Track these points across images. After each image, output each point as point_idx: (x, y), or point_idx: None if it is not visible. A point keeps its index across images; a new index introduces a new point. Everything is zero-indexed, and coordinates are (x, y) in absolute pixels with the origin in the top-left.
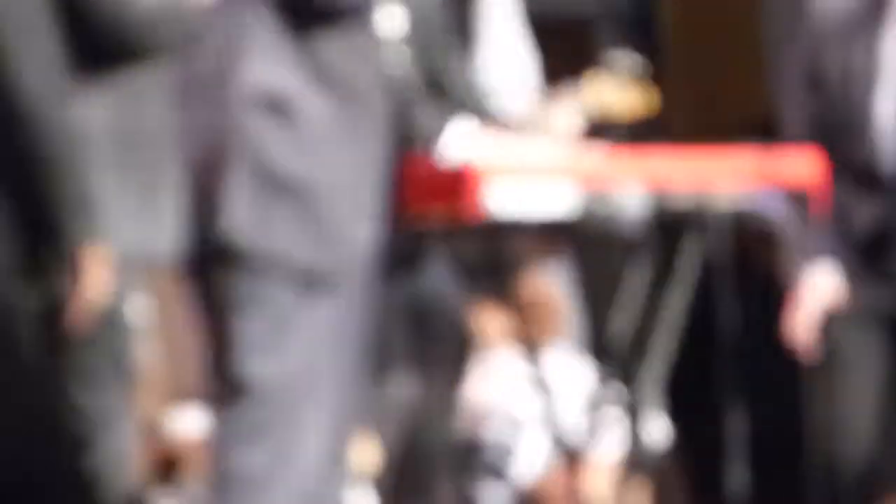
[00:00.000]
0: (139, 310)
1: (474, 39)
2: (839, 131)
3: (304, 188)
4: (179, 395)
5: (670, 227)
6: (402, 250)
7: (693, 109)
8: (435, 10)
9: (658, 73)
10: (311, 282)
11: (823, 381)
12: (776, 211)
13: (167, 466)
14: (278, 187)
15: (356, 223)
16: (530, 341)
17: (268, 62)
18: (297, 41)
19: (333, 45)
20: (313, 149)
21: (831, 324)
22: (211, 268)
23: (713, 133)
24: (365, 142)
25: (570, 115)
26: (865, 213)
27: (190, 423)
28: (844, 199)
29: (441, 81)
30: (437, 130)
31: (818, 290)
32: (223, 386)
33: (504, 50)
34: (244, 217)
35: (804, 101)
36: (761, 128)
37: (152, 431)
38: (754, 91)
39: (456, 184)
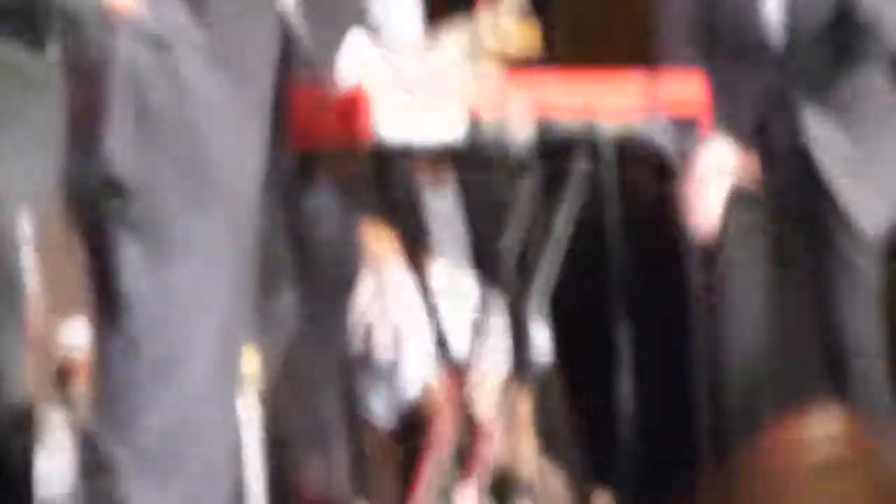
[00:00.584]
0: (26, 224)
1: None
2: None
3: (184, 120)
4: (68, 308)
5: (557, 153)
6: (290, 171)
7: (577, 41)
8: None
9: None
10: (195, 205)
11: (708, 270)
12: (664, 137)
13: (58, 379)
14: (159, 121)
15: (240, 153)
16: (417, 257)
17: None
18: None
19: None
20: (195, 81)
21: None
22: (94, 202)
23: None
24: (250, 69)
25: (456, 47)
26: (754, 87)
27: (79, 335)
28: (732, 76)
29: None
30: (329, 52)
31: (712, 160)
32: (106, 301)
33: None
34: (125, 150)
35: None
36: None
37: (42, 344)
38: (638, 19)
39: (345, 107)
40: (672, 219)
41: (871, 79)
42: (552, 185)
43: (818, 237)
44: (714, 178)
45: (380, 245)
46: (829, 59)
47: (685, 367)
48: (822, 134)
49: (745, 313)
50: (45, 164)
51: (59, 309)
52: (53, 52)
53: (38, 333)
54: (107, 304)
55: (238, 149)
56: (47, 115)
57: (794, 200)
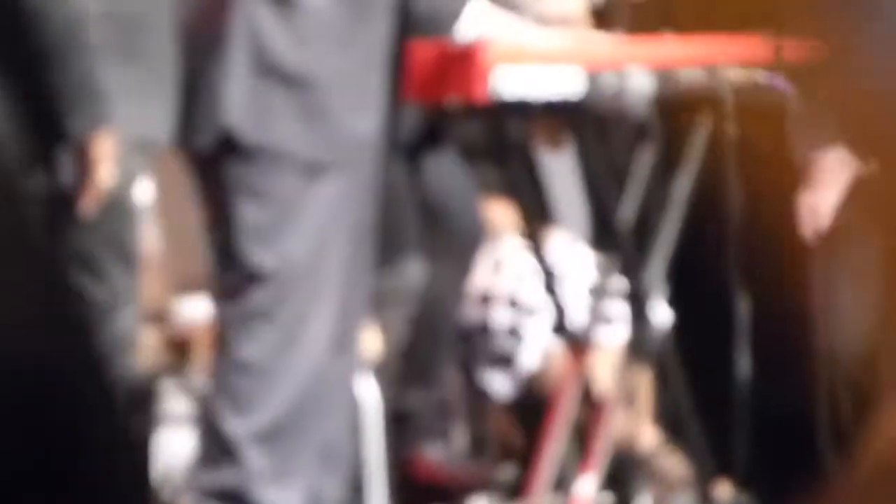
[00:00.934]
0: (144, 195)
1: None
2: None
3: (304, 78)
4: (185, 281)
5: (677, 107)
6: (412, 136)
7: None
8: None
9: None
10: (313, 171)
11: (825, 266)
12: (785, 88)
13: (175, 353)
14: (278, 77)
15: (358, 113)
16: (535, 230)
17: None
18: None
19: None
20: (314, 38)
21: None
22: (213, 156)
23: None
24: (368, 29)
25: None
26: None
27: (197, 309)
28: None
29: None
30: (450, 12)
31: (834, 174)
32: (229, 274)
33: None
34: (244, 107)
35: None
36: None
37: (159, 318)
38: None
39: (464, 66)
40: (791, 190)
41: None
42: (672, 146)
43: None
44: (834, 182)
45: (500, 215)
46: None
47: (806, 352)
48: None
49: (861, 277)
50: (165, 109)
51: (179, 282)
52: None
53: (158, 306)
54: (229, 276)
55: (358, 106)
56: (165, 58)
57: None
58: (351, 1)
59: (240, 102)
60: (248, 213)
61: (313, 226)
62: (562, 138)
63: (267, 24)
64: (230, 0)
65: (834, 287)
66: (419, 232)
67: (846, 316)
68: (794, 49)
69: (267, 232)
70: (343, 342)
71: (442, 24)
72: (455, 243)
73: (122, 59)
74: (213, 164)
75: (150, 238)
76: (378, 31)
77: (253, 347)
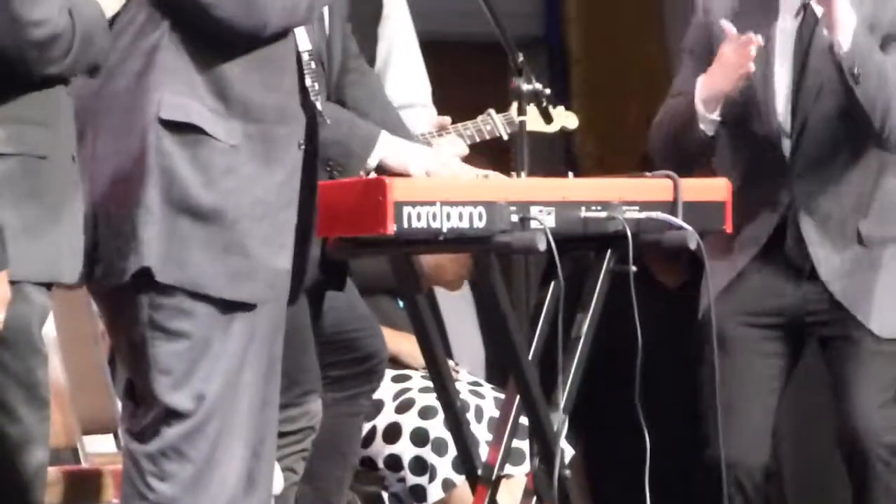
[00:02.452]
0: (48, 332)
1: (379, 59)
2: (744, 109)
3: (218, 215)
4: (93, 418)
5: (579, 244)
6: (320, 271)
7: (598, 133)
8: (344, 30)
9: (562, 96)
10: (228, 309)
11: (721, 390)
12: (687, 228)
13: (83, 489)
14: (192, 215)
15: (272, 250)
16: (439, 366)
17: (179, 87)
18: (210, 65)
19: (245, 69)
20: (226, 175)
21: (727, 326)
22: (127, 294)
23: (619, 156)
24: (279, 167)
25: (458, 142)
26: (772, 195)
27: (105, 446)
28: (753, 187)
29: (354, 98)
30: (358, 149)
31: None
32: (141, 412)
33: (407, 73)
34: (159, 245)
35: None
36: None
37: (66, 456)
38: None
39: (371, 202)
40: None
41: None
42: (575, 282)
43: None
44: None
45: (403, 350)
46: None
47: (700, 458)
48: (830, 259)
49: (754, 398)
50: (73, 247)
51: (86, 419)
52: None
53: (65, 444)
54: (141, 415)
55: (272, 243)
56: (71, 195)
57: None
58: (261, 139)
59: (155, 241)
60: (163, 353)
61: (228, 364)
62: (465, 273)
63: (179, 161)
64: (142, 138)
65: (729, 407)
66: (323, 364)
67: (745, 428)
68: (692, 189)
69: (181, 371)
70: (255, 479)
71: (352, 162)
72: (355, 375)
73: (26, 196)
74: (128, 302)
75: (55, 375)
76: (288, 170)
77: (165, 486)
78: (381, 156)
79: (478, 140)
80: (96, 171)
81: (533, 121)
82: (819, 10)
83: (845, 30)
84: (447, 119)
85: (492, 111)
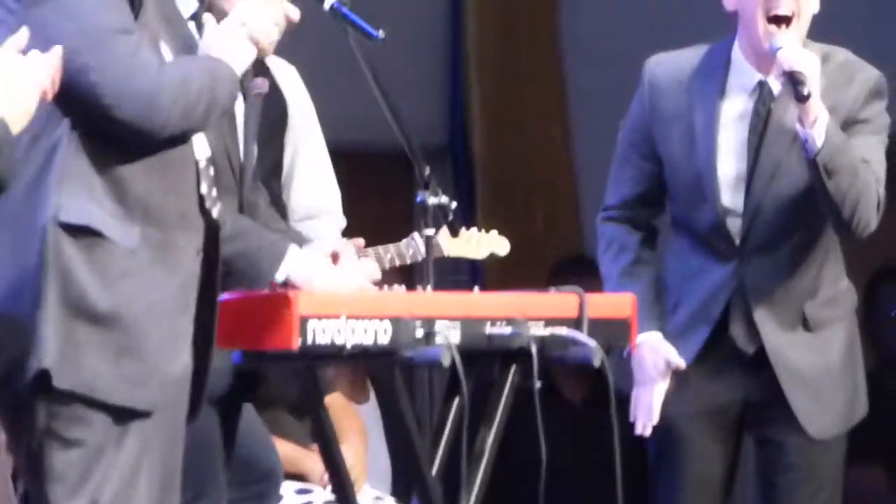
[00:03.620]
0: None
1: (285, 167)
2: (690, 198)
3: (115, 318)
4: None
5: (484, 358)
6: (222, 381)
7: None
8: (250, 139)
9: (468, 206)
10: (125, 415)
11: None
12: (592, 344)
13: None
14: (90, 318)
15: (170, 355)
16: (342, 480)
17: (78, 189)
18: (109, 168)
19: (145, 173)
20: (123, 278)
21: (669, 425)
22: (24, 400)
23: (526, 265)
24: (177, 272)
25: (371, 264)
26: (720, 278)
27: None
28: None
29: (258, 208)
30: (265, 262)
31: (651, 361)
32: None
33: (315, 181)
34: (56, 350)
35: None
36: (576, 264)
37: None
38: (568, 227)
39: (275, 315)
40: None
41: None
42: (479, 396)
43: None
44: (656, 378)
45: (306, 466)
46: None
47: None
48: (778, 341)
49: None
50: None
51: None
52: None
53: None
54: None
55: (169, 348)
56: None
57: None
58: (160, 243)
59: (52, 344)
60: (58, 461)
61: (121, 473)
62: (368, 387)
63: (77, 264)
64: (41, 239)
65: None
66: (223, 473)
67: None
68: (598, 305)
69: (75, 478)
70: None
71: (259, 275)
72: (248, 498)
73: None
74: (26, 408)
75: None
76: (186, 276)
77: None
78: (289, 270)
79: (398, 264)
80: None
81: (461, 247)
82: (776, 88)
83: (819, 125)
84: (360, 241)
85: (416, 234)
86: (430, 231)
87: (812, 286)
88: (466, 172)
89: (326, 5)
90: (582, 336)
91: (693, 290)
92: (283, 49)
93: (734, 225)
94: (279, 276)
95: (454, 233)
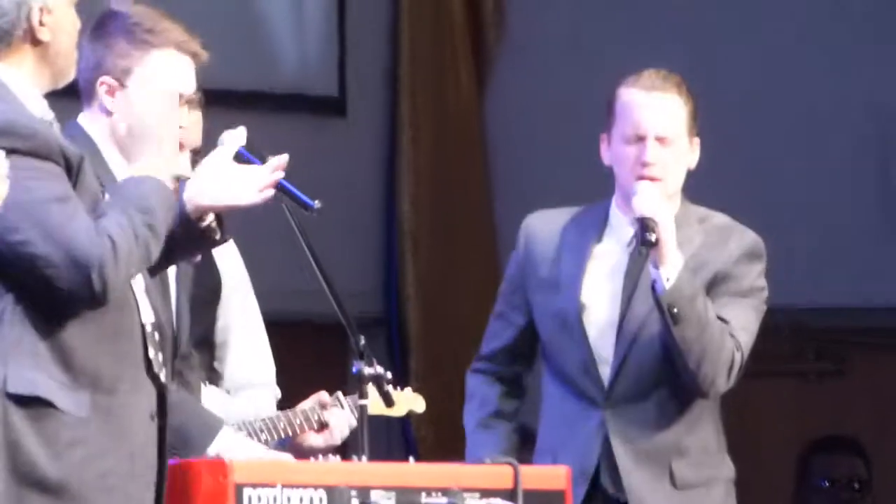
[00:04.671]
0: None
1: (218, 337)
2: (559, 344)
3: (63, 489)
4: None
5: None
6: None
7: (438, 414)
8: (182, 307)
9: (402, 377)
10: None
11: None
12: None
13: None
14: (39, 488)
15: None
16: None
17: (24, 359)
18: (55, 337)
19: (92, 341)
20: (72, 448)
21: None
22: None
23: (459, 440)
24: (124, 438)
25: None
26: (588, 427)
27: None
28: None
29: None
30: (197, 438)
31: None
32: None
33: (249, 353)
34: None
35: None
36: None
37: None
38: None
39: (210, 484)
40: None
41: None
42: None
43: None
44: None
45: None
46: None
47: None
48: (642, 494)
49: None
50: None
51: None
52: None
53: None
54: None
55: None
56: None
57: None
58: (111, 410)
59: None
60: None
61: None
62: None
63: (26, 435)
64: None
65: None
66: None
67: None
68: (532, 477)
69: None
70: None
71: (189, 450)
72: None
73: None
74: None
75: None
76: (140, 441)
77: None
78: (220, 449)
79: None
80: None
81: (379, 406)
82: (654, 237)
83: (670, 268)
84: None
85: (339, 394)
86: (364, 401)
87: (678, 443)
88: (401, 344)
89: None
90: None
91: (566, 439)
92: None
93: (604, 372)
94: (210, 453)
95: (388, 403)
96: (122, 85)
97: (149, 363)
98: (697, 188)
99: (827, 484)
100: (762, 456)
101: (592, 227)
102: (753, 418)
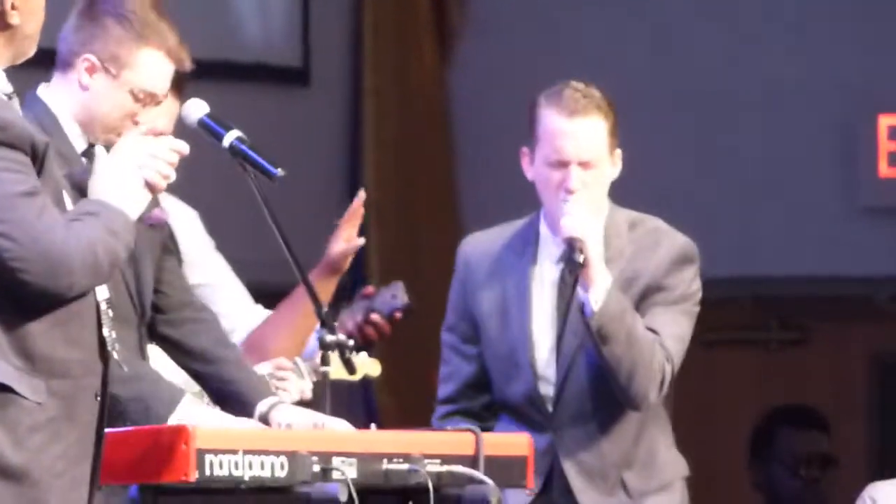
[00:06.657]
0: None
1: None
2: (505, 369)
3: (22, 474)
4: None
5: (382, 496)
6: None
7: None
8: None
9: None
10: None
11: None
12: (489, 482)
13: None
14: (2, 476)
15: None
16: None
17: None
18: (14, 324)
19: (47, 327)
20: (31, 434)
21: None
22: None
23: (422, 414)
24: (78, 423)
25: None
26: (540, 445)
27: None
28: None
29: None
30: (159, 409)
31: None
32: None
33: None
34: None
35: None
36: None
37: None
38: None
39: (172, 449)
40: None
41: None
42: None
43: None
44: None
45: None
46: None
47: None
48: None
49: None
50: None
51: None
52: None
53: None
54: None
55: (67, 496)
56: None
57: None
58: (65, 395)
59: None
60: None
61: None
62: None
63: None
64: None
65: None
66: None
67: None
68: (494, 444)
69: None
70: None
71: (151, 421)
72: None
73: None
74: None
75: None
76: (86, 423)
77: None
78: (180, 419)
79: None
80: None
81: (335, 370)
82: (581, 258)
83: (598, 290)
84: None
85: (298, 359)
86: (327, 368)
87: (627, 455)
88: None
89: (226, 142)
90: (479, 474)
91: None
92: (180, 190)
93: (548, 393)
94: (170, 423)
95: (351, 370)
96: (105, 69)
97: (102, 343)
98: (662, 162)
99: (791, 459)
100: (721, 424)
101: (527, 246)
102: (714, 386)
